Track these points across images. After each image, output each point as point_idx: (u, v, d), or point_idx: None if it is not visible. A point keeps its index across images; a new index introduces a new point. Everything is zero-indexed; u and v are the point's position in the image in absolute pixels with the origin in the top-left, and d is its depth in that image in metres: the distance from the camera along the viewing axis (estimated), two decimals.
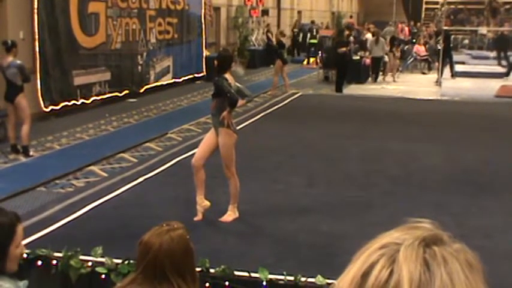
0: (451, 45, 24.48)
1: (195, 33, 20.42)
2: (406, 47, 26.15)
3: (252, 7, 25.93)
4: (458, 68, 23.63)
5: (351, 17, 36.27)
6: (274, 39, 27.60)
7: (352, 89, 19.19)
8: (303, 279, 4.92)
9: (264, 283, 4.90)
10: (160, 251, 2.66)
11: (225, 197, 7.34)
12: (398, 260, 0.87)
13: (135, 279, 2.71)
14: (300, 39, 30.17)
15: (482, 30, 32.37)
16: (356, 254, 0.94)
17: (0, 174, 9.18)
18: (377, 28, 23.58)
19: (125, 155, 10.27)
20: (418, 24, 35.61)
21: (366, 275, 0.88)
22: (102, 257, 5.20)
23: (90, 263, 5.13)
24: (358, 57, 20.96)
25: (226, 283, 4.93)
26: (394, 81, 21.29)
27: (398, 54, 21.30)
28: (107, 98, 15.03)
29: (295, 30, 30.87)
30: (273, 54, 26.35)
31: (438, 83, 20.56)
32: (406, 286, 0.85)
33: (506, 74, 21.91)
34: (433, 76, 22.17)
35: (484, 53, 30.12)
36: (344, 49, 18.24)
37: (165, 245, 2.67)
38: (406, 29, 31.30)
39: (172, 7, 18.82)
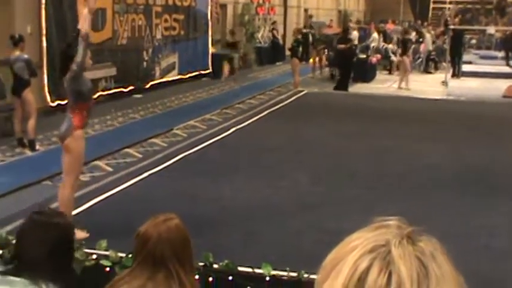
0: (463, 44, 24.28)
1: (202, 30, 20.41)
2: (413, 46, 26.02)
3: (259, 4, 25.92)
4: (466, 67, 23.54)
5: (350, 20, 35.96)
6: (280, 37, 27.66)
7: (358, 88, 19.15)
8: (305, 275, 4.91)
9: (267, 278, 4.90)
10: (159, 241, 2.63)
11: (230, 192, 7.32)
12: (393, 260, 0.87)
13: (133, 270, 2.70)
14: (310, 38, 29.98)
15: (490, 29, 32.23)
16: (325, 263, 0.92)
17: (6, 168, 9.22)
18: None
19: (130, 150, 10.28)
20: (425, 23, 35.50)
21: (361, 281, 0.86)
22: (106, 250, 5.21)
23: (94, 256, 5.14)
24: (364, 56, 20.85)
25: (230, 278, 4.93)
26: (399, 87, 19.43)
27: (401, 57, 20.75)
28: (113, 93, 15.05)
29: (304, 30, 30.65)
30: (280, 51, 26.42)
31: (445, 82, 20.48)
32: (408, 285, 0.85)
33: None
34: (440, 76, 22.10)
35: (492, 52, 30.01)
36: (343, 46, 18.10)
37: (164, 235, 2.65)
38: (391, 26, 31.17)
39: (179, 3, 18.82)
